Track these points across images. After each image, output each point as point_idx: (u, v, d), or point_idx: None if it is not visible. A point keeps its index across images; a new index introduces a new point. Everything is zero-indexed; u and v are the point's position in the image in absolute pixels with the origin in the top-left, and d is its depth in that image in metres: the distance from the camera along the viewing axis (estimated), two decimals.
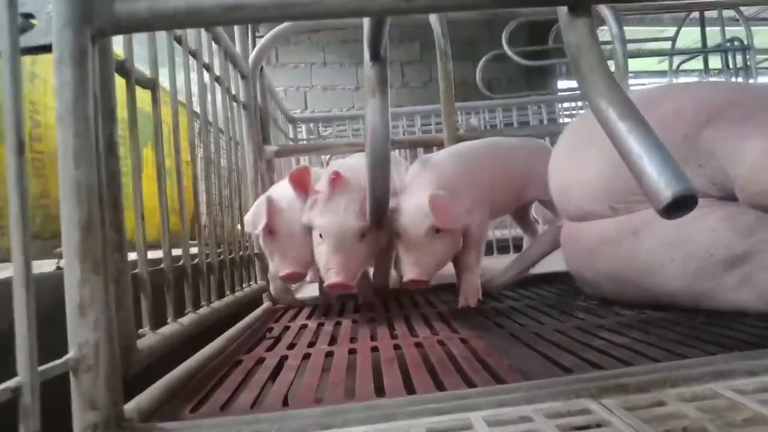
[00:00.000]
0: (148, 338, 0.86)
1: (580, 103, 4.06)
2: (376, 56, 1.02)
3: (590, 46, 0.75)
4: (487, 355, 0.95)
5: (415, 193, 1.32)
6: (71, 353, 0.64)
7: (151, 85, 1.01)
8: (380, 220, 1.24)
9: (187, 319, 1.06)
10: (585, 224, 1.36)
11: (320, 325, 1.42)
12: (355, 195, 1.27)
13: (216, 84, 1.54)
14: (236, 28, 1.85)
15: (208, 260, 1.31)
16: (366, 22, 0.94)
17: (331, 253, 1.23)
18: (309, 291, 1.94)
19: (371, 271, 1.66)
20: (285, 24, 1.84)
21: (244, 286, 1.64)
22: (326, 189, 1.28)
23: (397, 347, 1.08)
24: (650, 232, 1.19)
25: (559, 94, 5.42)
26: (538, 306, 1.43)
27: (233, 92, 1.70)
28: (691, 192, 0.59)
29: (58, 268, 1.24)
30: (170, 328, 0.96)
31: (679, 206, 0.60)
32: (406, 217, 1.27)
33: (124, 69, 0.92)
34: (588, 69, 0.74)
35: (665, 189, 0.60)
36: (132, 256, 0.85)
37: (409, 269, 1.25)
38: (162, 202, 1.01)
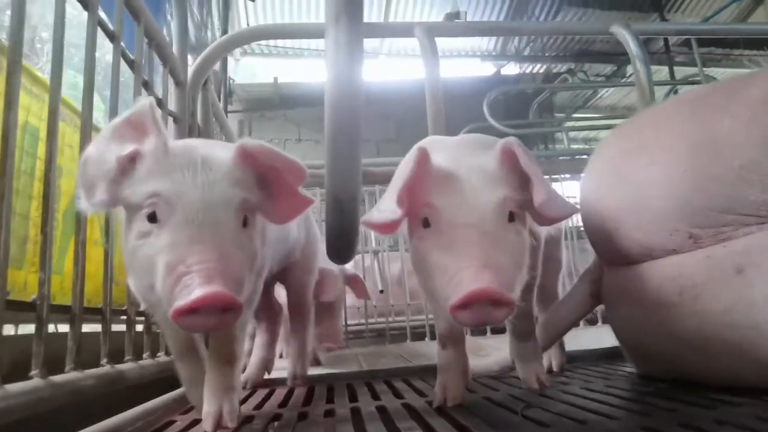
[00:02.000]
0: None
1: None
2: None
3: None
4: None
5: (464, 155, 0.78)
6: None
7: None
8: (346, 245, 0.79)
9: None
10: (647, 267, 0.93)
11: (248, 419, 0.90)
12: (230, 153, 0.73)
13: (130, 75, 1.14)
14: (174, 31, 1.47)
15: (73, 305, 0.82)
16: None
17: (190, 242, 0.64)
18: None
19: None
20: (237, 31, 1.48)
21: (145, 356, 1.12)
22: (161, 141, 0.70)
23: None
24: (766, 267, 0.76)
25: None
26: (582, 392, 0.95)
27: (159, 96, 1.29)
28: None
29: None
30: None
31: None
32: (461, 184, 0.73)
33: None
34: None
35: None
36: None
37: (473, 274, 0.65)
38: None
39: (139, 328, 1.13)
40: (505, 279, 0.67)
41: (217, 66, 4.96)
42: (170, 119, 1.37)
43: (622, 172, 0.97)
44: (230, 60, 6.07)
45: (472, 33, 1.84)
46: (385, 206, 0.74)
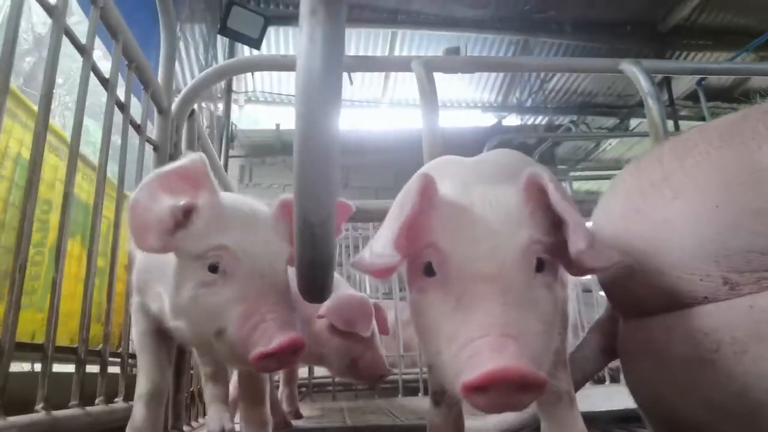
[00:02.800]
0: None
1: None
2: None
3: None
4: None
5: (480, 183, 0.65)
6: None
7: None
8: (320, 280, 0.67)
9: None
10: (674, 318, 0.80)
11: None
12: (272, 209, 0.83)
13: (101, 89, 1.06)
14: (161, 57, 1.40)
15: None
16: None
17: (260, 293, 0.73)
18: None
19: None
20: (228, 61, 1.42)
21: (97, 401, 0.98)
22: (215, 196, 0.77)
23: None
24: None
25: None
26: None
27: (136, 121, 1.21)
28: None
29: None
30: None
31: None
32: (475, 222, 0.59)
33: None
34: None
35: None
36: None
37: (492, 346, 0.50)
38: None
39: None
40: (533, 351, 0.52)
41: (220, 111, 4.99)
42: (149, 147, 1.28)
43: (640, 207, 0.86)
44: (234, 107, 6.13)
45: (471, 68, 1.78)
46: (380, 248, 0.60)
